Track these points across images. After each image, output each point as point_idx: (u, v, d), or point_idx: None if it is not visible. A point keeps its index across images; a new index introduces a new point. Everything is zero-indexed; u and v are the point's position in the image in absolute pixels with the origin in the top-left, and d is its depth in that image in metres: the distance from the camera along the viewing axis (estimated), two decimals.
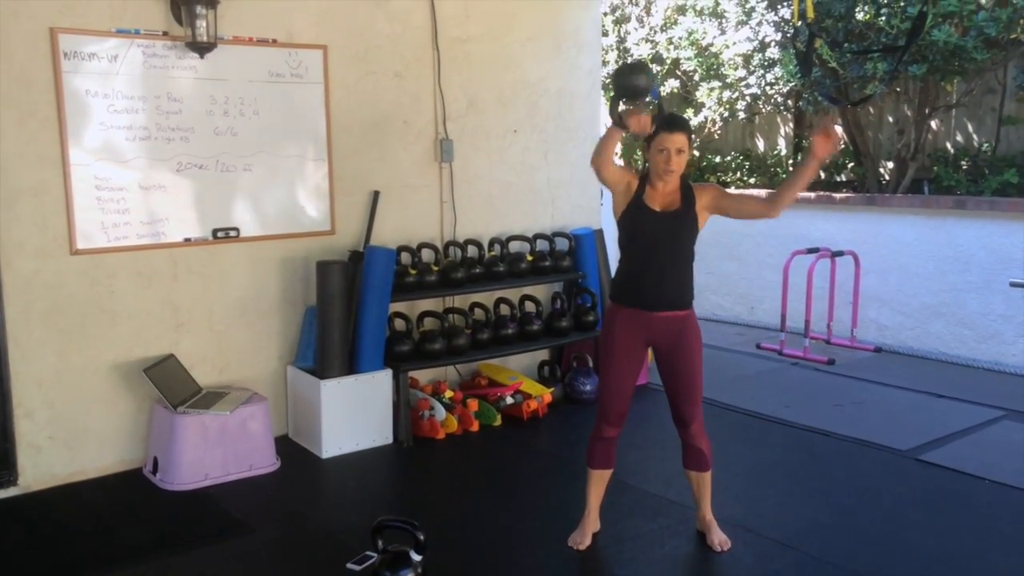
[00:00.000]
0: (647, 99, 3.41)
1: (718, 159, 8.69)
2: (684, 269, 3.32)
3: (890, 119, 7.55)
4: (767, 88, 7.85)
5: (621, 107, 3.38)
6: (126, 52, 4.09)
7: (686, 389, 3.34)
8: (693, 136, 3.34)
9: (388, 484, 4.36)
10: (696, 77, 8.46)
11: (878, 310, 6.76)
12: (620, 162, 5.98)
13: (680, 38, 8.34)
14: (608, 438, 3.40)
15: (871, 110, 7.62)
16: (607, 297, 5.57)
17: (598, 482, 3.48)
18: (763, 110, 8.25)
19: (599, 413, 3.40)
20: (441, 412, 4.75)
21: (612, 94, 3.51)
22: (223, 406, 4.19)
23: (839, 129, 7.77)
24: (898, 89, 7.13)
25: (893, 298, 6.68)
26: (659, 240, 3.26)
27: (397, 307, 4.82)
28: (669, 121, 3.26)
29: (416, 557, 2.89)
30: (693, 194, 3.31)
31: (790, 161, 8.23)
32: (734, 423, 5.00)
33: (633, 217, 3.29)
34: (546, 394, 5.13)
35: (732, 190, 3.51)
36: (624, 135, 3.28)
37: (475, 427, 4.86)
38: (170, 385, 4.18)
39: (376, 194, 4.91)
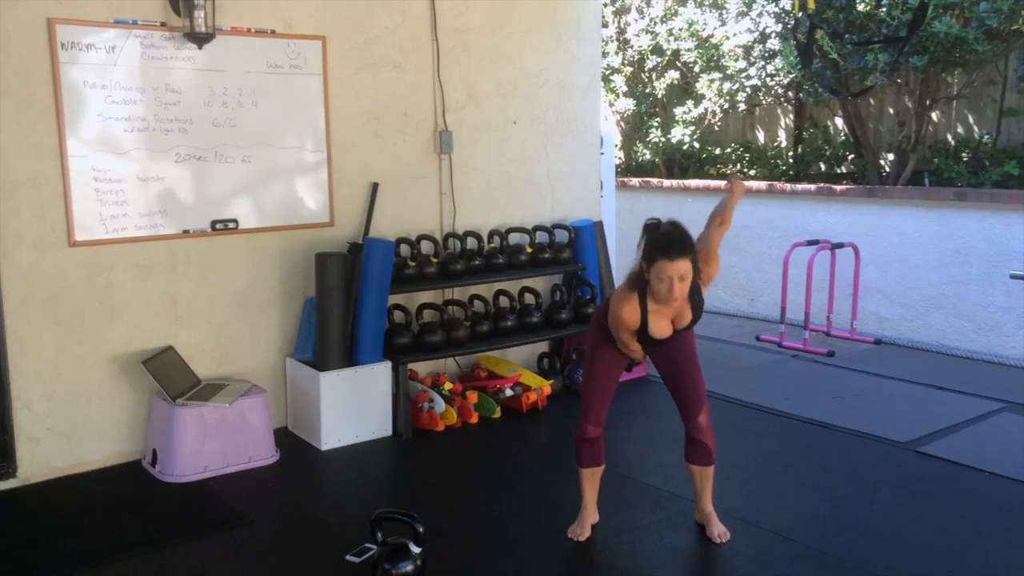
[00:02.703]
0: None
1: (718, 151, 8.67)
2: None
3: (891, 110, 7.53)
4: (767, 79, 7.82)
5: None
6: (124, 43, 4.07)
7: (687, 386, 3.35)
8: (696, 260, 3.03)
9: (387, 476, 4.37)
10: (696, 68, 8.43)
11: (878, 302, 6.76)
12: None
13: (680, 29, 8.31)
14: (591, 439, 3.41)
15: (872, 101, 7.60)
16: (606, 289, 5.61)
17: (591, 479, 3.49)
18: (763, 101, 8.22)
19: (582, 414, 3.40)
20: (440, 404, 4.75)
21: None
22: (222, 398, 4.19)
23: (838, 121, 7.76)
24: (899, 80, 7.11)
25: (893, 290, 6.67)
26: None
27: (396, 299, 4.82)
28: (667, 246, 2.94)
29: (415, 549, 2.90)
30: (700, 292, 3.14)
31: (790, 153, 8.22)
32: (734, 415, 5.00)
33: (640, 339, 3.21)
34: (545, 386, 5.12)
35: (698, 239, 3.24)
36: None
37: (474, 419, 4.86)
38: (169, 377, 4.18)
39: (375, 186, 4.89)
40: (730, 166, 8.54)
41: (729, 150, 8.63)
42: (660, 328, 3.14)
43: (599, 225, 5.71)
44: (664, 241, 2.95)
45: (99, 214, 4.10)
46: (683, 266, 2.93)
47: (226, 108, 4.40)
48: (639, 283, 3.09)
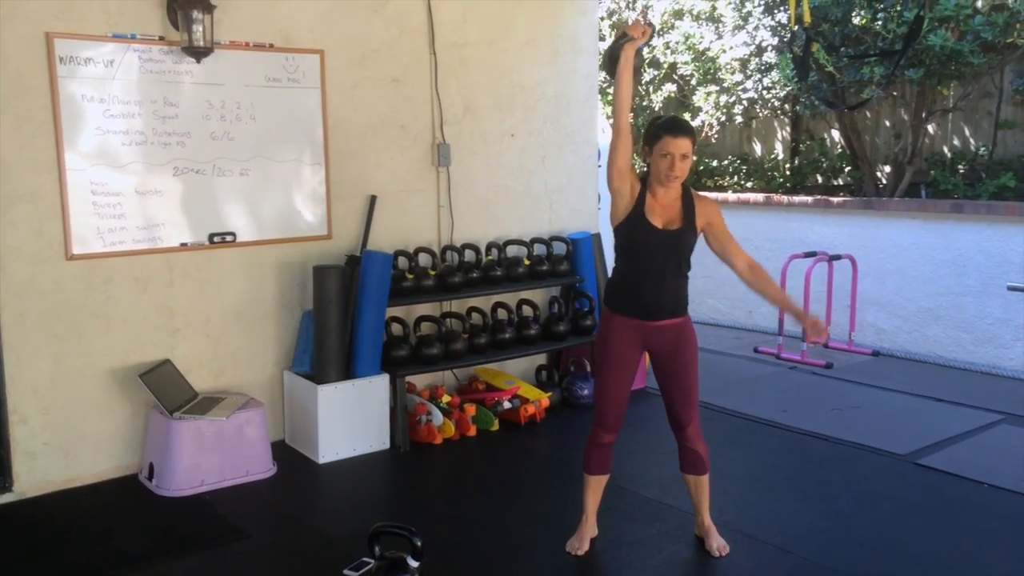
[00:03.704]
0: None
1: (715, 163, 8.69)
2: (681, 280, 3.31)
3: (887, 123, 7.56)
4: (764, 92, 7.85)
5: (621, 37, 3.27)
6: (122, 57, 4.08)
7: (683, 393, 3.34)
8: (695, 143, 3.26)
9: (385, 490, 4.35)
10: (693, 81, 8.47)
11: (876, 314, 6.76)
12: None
13: (677, 42, 8.35)
14: (605, 444, 3.39)
15: (868, 114, 7.63)
16: (603, 301, 5.60)
17: (595, 488, 3.47)
18: (760, 114, 8.25)
19: (596, 419, 3.39)
20: (438, 417, 4.74)
21: (606, 54, 3.40)
22: (219, 411, 4.18)
23: (835, 134, 7.79)
24: (895, 93, 7.14)
25: (891, 302, 6.68)
26: (658, 256, 3.23)
27: (394, 312, 4.81)
28: (672, 124, 3.18)
29: (413, 563, 2.88)
30: (694, 207, 3.27)
31: (787, 165, 8.24)
32: (732, 427, 4.99)
33: (633, 231, 3.24)
34: (544, 398, 5.12)
35: (727, 225, 3.44)
36: (635, 52, 3.22)
37: (472, 432, 4.85)
38: (166, 390, 4.17)
39: (373, 198, 4.90)
40: (727, 178, 8.56)
41: (726, 162, 8.65)
42: (653, 212, 3.22)
43: (597, 237, 5.71)
44: (669, 121, 3.19)
45: (97, 227, 4.10)
46: (685, 144, 3.13)
47: (224, 121, 4.40)
48: (641, 174, 3.29)
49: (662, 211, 3.23)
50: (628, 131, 3.20)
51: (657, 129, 3.18)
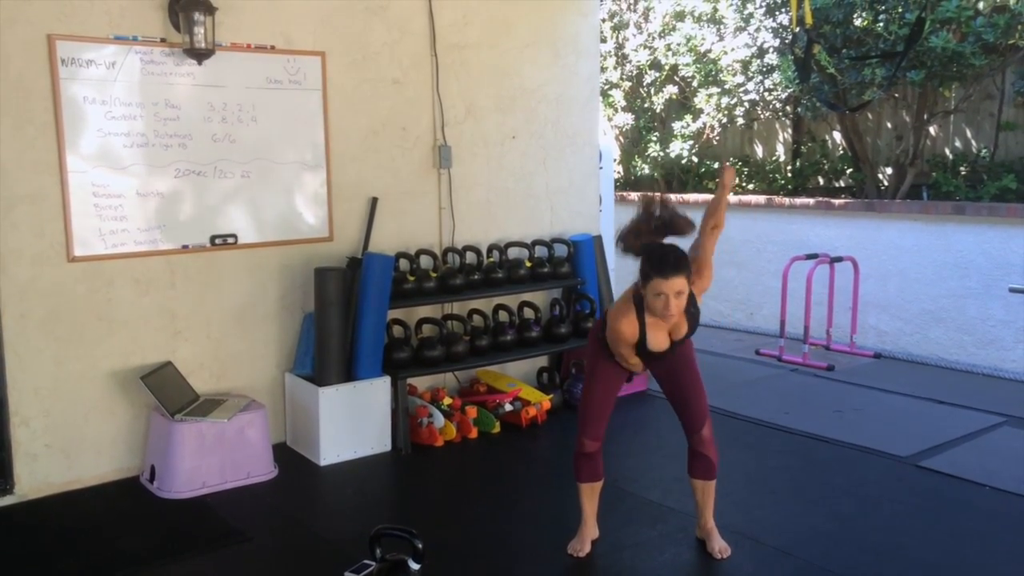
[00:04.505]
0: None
1: (716, 165, 8.68)
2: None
3: (888, 125, 7.56)
4: (765, 94, 7.85)
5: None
6: (124, 59, 4.09)
7: (689, 404, 3.35)
8: (691, 276, 3.08)
9: (386, 492, 4.35)
10: (694, 83, 8.46)
11: (877, 316, 6.76)
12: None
13: (678, 44, 8.35)
14: (590, 453, 3.40)
15: (869, 116, 7.62)
16: (605, 304, 5.60)
17: (590, 494, 3.48)
18: (761, 116, 8.25)
19: (580, 428, 3.39)
20: (440, 419, 4.74)
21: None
22: (220, 414, 4.18)
23: (836, 135, 7.78)
24: (896, 95, 7.14)
25: (892, 304, 6.67)
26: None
27: (395, 314, 4.81)
28: (662, 266, 2.99)
29: (414, 566, 2.88)
30: (694, 297, 3.17)
31: (789, 167, 8.23)
32: (733, 429, 4.98)
33: (639, 353, 3.20)
34: (545, 401, 5.11)
35: (695, 244, 3.35)
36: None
37: (474, 434, 4.84)
38: (167, 393, 4.17)
39: (374, 200, 4.90)
40: None
41: (727, 164, 8.65)
42: (657, 341, 3.16)
43: (598, 239, 5.71)
44: (659, 260, 3.01)
45: (98, 229, 4.10)
46: (678, 283, 2.98)
47: (225, 123, 4.40)
48: (636, 298, 3.13)
49: (667, 325, 3.15)
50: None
51: (649, 269, 3.03)
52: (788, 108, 8.02)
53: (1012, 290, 5.75)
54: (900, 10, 6.44)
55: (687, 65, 8.32)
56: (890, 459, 4.47)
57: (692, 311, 3.15)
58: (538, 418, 5.03)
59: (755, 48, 7.78)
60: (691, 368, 3.35)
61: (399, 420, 4.65)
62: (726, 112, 8.15)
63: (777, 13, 7.49)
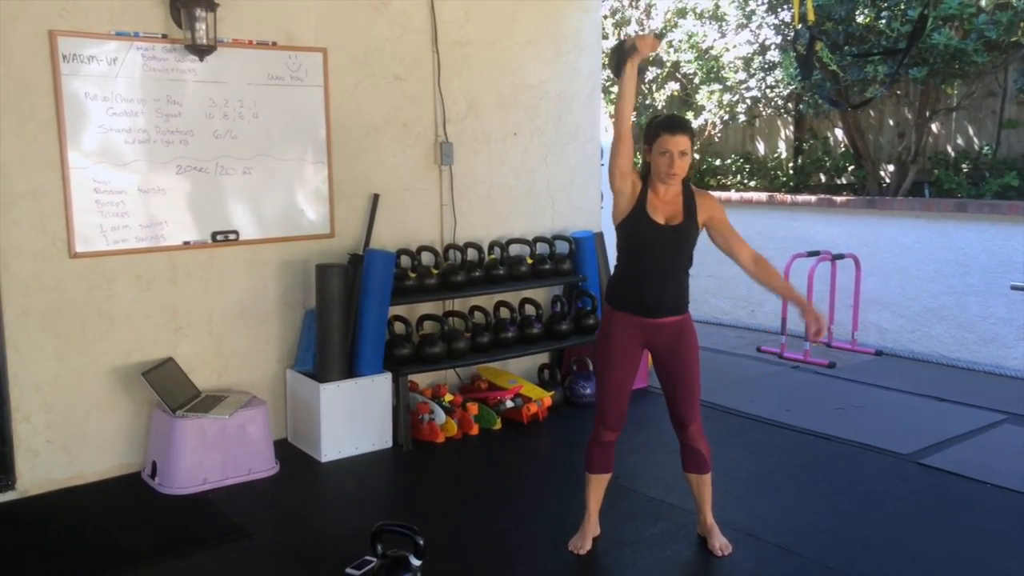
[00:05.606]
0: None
1: (718, 162, 8.68)
2: (683, 277, 3.31)
3: (891, 122, 7.55)
4: (767, 91, 7.84)
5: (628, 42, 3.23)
6: (125, 55, 4.08)
7: (685, 391, 3.33)
8: (695, 138, 3.26)
9: (387, 488, 4.35)
10: (696, 80, 8.45)
11: (879, 313, 6.75)
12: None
13: (680, 41, 8.34)
14: (606, 442, 3.39)
15: (871, 113, 7.61)
16: (604, 299, 5.60)
17: (597, 486, 3.47)
18: (763, 113, 8.24)
19: (597, 418, 3.38)
20: (441, 416, 4.74)
21: (612, 56, 3.40)
22: (222, 410, 4.18)
23: (838, 133, 7.77)
24: (898, 92, 7.13)
25: (894, 301, 6.67)
26: (660, 252, 3.23)
27: (397, 310, 4.81)
28: (670, 122, 3.20)
29: (415, 562, 2.88)
30: (695, 203, 3.27)
31: (790, 164, 8.22)
32: (735, 427, 4.99)
33: (635, 228, 3.24)
34: (546, 398, 5.11)
35: (729, 220, 3.44)
36: (640, 63, 3.19)
37: (475, 431, 4.85)
38: (169, 389, 4.17)
39: (376, 197, 4.90)
40: (730, 177, 8.55)
41: (729, 161, 8.65)
42: (655, 208, 3.23)
43: (600, 236, 5.71)
44: (666, 119, 3.24)
45: (100, 225, 4.10)
46: (683, 141, 3.15)
47: (227, 120, 4.40)
48: (643, 168, 3.31)
49: (664, 207, 3.24)
50: (629, 135, 3.20)
51: (655, 128, 3.20)
52: (790, 105, 8.01)
53: (1014, 287, 5.74)
54: (902, 7, 6.43)
55: (689, 62, 8.31)
56: (891, 456, 4.47)
57: (689, 204, 3.25)
58: (539, 415, 5.03)
59: (757, 45, 7.77)
60: (693, 360, 3.33)
61: (400, 416, 4.65)
62: (728, 109, 8.14)
63: (779, 10, 7.48)
